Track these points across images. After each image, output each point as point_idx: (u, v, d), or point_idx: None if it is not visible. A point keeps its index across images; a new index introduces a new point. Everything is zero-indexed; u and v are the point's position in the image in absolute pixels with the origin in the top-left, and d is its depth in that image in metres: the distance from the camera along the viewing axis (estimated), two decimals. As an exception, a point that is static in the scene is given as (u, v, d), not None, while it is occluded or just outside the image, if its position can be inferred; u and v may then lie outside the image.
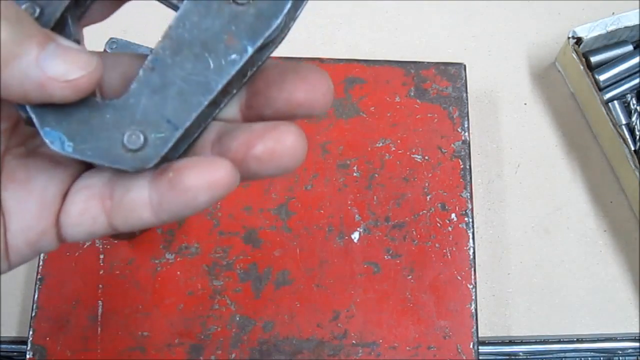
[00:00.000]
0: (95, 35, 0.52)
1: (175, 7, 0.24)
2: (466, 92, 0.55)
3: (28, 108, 0.23)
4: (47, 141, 0.24)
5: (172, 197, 0.24)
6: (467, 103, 0.55)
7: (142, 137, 0.24)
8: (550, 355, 0.56)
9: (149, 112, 0.24)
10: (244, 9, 0.23)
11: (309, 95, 0.25)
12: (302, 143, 0.24)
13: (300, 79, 0.25)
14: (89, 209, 0.26)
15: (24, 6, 0.23)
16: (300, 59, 0.52)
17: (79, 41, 0.25)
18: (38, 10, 0.23)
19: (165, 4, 0.25)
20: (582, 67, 0.58)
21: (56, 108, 0.23)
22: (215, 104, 0.25)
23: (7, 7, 0.21)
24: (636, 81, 0.60)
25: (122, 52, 0.28)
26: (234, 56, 0.24)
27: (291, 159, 0.24)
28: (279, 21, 0.24)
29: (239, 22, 0.24)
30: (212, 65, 0.24)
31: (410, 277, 0.50)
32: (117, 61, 0.27)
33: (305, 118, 0.26)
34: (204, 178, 0.24)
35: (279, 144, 0.24)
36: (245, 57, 0.24)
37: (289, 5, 0.24)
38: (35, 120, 0.23)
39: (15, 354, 0.54)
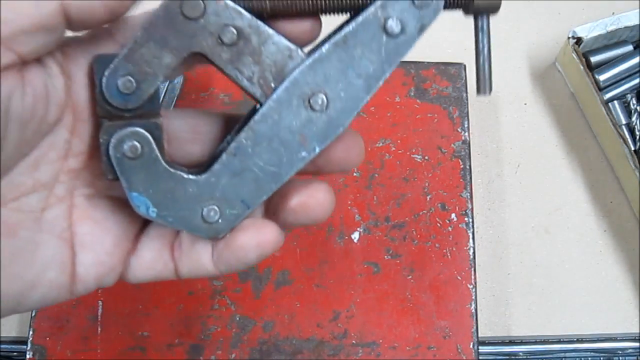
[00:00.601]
0: (95, 35, 0.52)
1: (252, 95, 0.28)
2: (466, 92, 0.55)
3: (118, 172, 0.27)
4: (133, 204, 0.27)
5: (227, 253, 0.29)
6: (467, 103, 0.55)
7: (218, 213, 0.28)
8: (550, 355, 0.56)
9: (227, 192, 0.28)
10: (317, 115, 0.28)
11: (345, 154, 0.29)
12: (330, 198, 0.29)
13: (339, 139, 0.29)
14: (162, 256, 0.30)
15: (121, 80, 0.26)
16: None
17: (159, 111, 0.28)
18: (135, 85, 0.26)
19: (244, 91, 0.28)
20: (582, 67, 0.58)
21: (144, 175, 0.27)
22: None
23: None
24: (636, 81, 0.60)
25: (189, 108, 0.32)
26: (304, 154, 0.28)
27: (321, 211, 0.29)
28: (345, 128, 0.28)
29: (312, 125, 0.28)
30: (285, 159, 0.28)
31: (410, 277, 0.50)
32: (185, 113, 0.31)
33: (340, 173, 0.29)
34: (254, 239, 0.28)
35: (311, 199, 0.29)
36: (313, 155, 0.28)
37: (354, 116, 0.28)
38: (124, 183, 0.27)
39: (15, 354, 0.54)
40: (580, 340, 0.56)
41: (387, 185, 0.52)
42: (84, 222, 0.28)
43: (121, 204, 0.29)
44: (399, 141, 0.54)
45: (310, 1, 0.28)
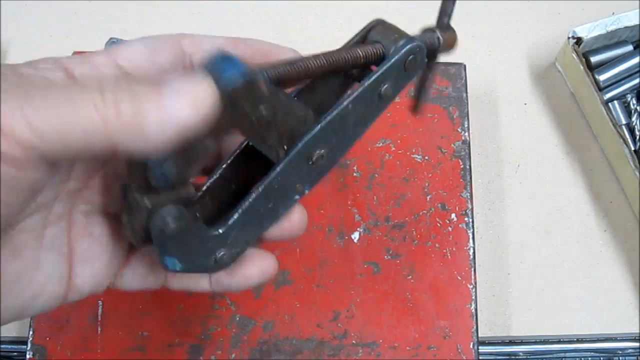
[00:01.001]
0: (96, 35, 0.52)
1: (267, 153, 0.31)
2: (466, 92, 0.55)
3: (155, 243, 0.28)
4: (164, 265, 0.30)
5: (229, 278, 0.32)
6: (467, 103, 0.55)
7: (227, 254, 0.31)
8: (550, 355, 0.56)
9: (236, 239, 0.31)
10: (314, 167, 0.31)
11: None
12: (302, 217, 0.33)
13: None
14: (154, 269, 0.32)
15: (167, 167, 0.27)
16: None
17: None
18: (178, 171, 0.28)
19: (261, 151, 0.31)
20: (582, 67, 0.58)
21: (178, 242, 0.29)
22: None
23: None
24: (636, 81, 0.60)
25: None
26: (297, 197, 0.32)
27: (295, 229, 0.33)
28: (328, 171, 0.33)
29: (308, 175, 0.32)
30: (283, 202, 0.32)
31: (410, 277, 0.50)
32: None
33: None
34: (258, 268, 0.33)
35: (285, 219, 0.32)
36: (303, 196, 0.32)
37: (338, 161, 0.32)
38: (160, 252, 0.29)
39: (15, 354, 0.54)
40: (580, 340, 0.56)
41: (387, 185, 0.52)
42: (83, 239, 0.29)
43: (116, 219, 0.30)
44: (399, 141, 0.54)
45: (325, 69, 0.31)
